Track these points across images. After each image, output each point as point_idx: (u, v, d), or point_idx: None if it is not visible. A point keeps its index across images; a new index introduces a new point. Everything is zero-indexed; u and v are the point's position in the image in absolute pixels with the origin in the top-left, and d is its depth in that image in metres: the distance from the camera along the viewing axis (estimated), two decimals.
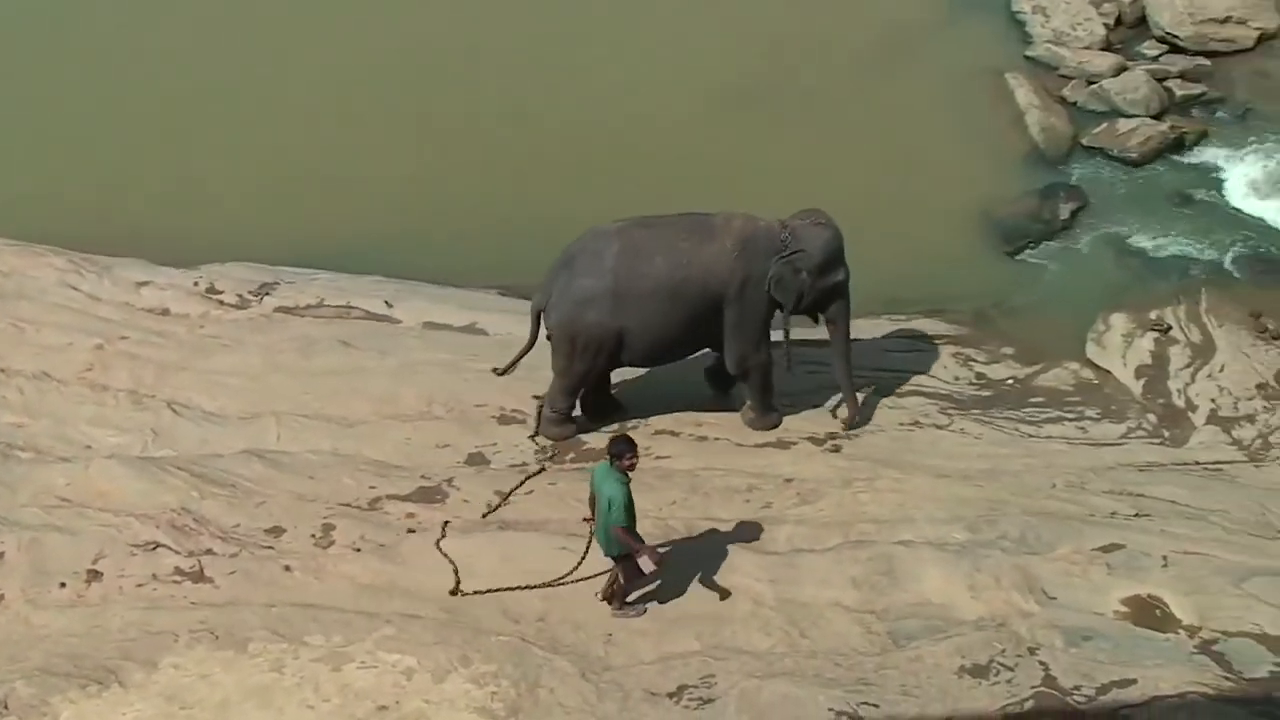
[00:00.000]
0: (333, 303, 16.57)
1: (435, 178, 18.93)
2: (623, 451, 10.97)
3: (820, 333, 14.52)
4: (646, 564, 11.33)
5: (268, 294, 16.65)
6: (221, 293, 16.68)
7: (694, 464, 13.71)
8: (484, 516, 12.92)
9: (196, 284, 16.79)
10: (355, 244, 17.75)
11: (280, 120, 20.08)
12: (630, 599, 11.72)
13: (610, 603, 11.67)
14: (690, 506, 12.90)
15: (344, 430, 14.22)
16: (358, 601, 11.78)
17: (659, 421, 14.49)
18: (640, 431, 14.24)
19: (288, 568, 12.16)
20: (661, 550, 11.61)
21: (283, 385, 14.95)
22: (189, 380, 15.04)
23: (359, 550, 12.36)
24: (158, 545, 12.31)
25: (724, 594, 11.75)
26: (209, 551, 12.30)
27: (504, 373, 14.37)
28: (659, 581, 11.78)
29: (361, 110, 20.17)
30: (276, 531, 12.60)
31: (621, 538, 11.01)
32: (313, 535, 12.54)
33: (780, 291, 13.81)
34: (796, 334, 14.21)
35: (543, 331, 13.97)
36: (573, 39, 21.36)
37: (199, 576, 12.05)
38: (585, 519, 11.52)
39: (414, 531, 12.62)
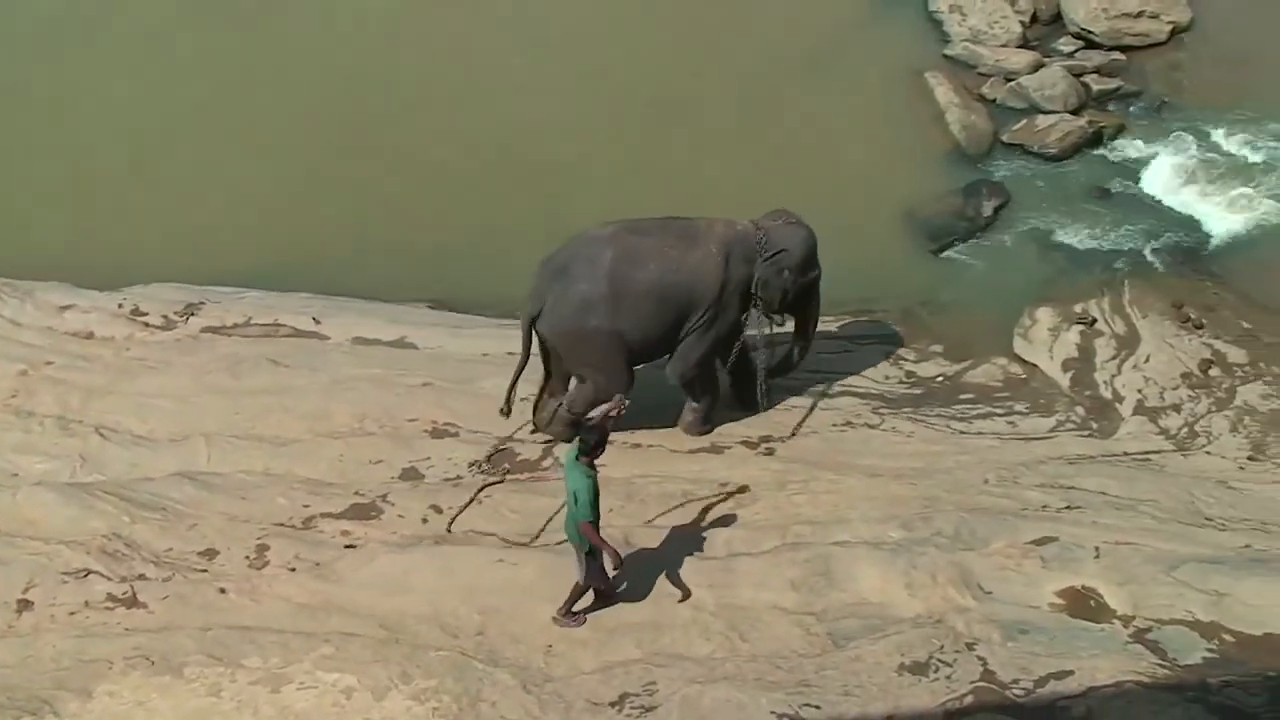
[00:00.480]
0: (260, 321, 16.44)
1: (360, 192, 18.82)
2: (594, 444, 10.91)
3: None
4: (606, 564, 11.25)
5: (194, 314, 16.50)
6: (147, 314, 16.51)
7: (629, 471, 13.69)
8: (448, 529, 12.88)
9: (121, 306, 16.61)
10: (282, 261, 17.63)
11: (200, 138, 19.89)
12: (576, 609, 11.63)
13: (560, 619, 11.56)
14: (627, 514, 12.88)
15: (276, 449, 14.10)
16: (295, 621, 11.67)
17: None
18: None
19: (222, 590, 12.03)
20: (622, 554, 11.41)
21: (212, 406, 14.81)
22: (116, 404, 14.87)
23: (294, 570, 12.26)
24: (89, 572, 12.15)
25: (685, 594, 11.74)
26: (141, 576, 12.15)
27: (508, 407, 14.01)
28: (621, 586, 11.79)
29: (282, 127, 20.00)
30: (210, 554, 12.48)
31: (587, 533, 10.99)
32: (247, 556, 12.43)
33: (766, 293, 14.05)
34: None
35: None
36: (496, 53, 21.25)
37: (132, 602, 11.90)
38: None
39: (351, 548, 12.52)
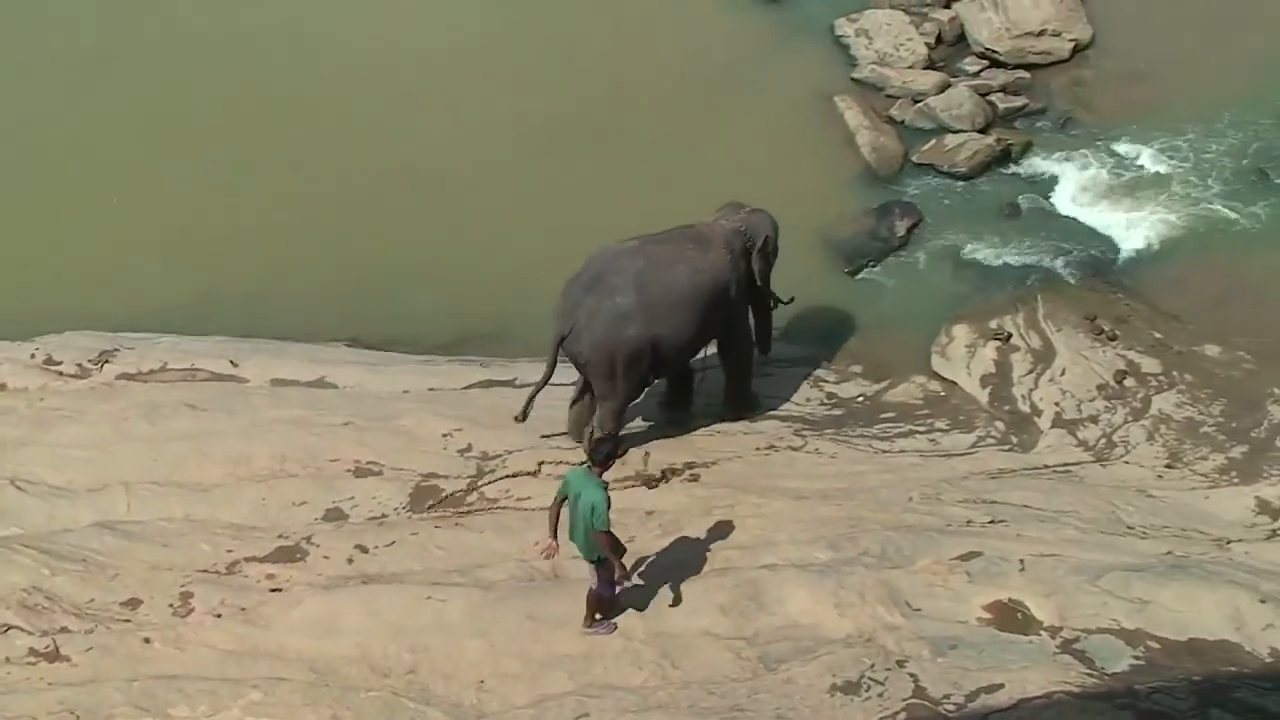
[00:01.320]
0: (176, 366, 16.25)
1: (273, 232, 18.66)
2: (606, 455, 11.06)
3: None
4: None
5: (108, 361, 16.29)
6: (60, 363, 16.27)
7: None
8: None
9: (33, 356, 16.36)
10: (197, 304, 17.46)
11: (106, 182, 19.61)
12: (599, 616, 11.73)
13: (587, 622, 11.70)
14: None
15: (197, 495, 13.93)
16: (222, 668, 11.54)
17: (516, 462, 14.44)
18: (499, 474, 14.21)
19: (147, 640, 11.86)
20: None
21: (130, 454, 14.60)
22: (32, 455, 14.61)
23: (219, 616, 12.12)
24: (9, 627, 11.94)
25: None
26: (64, 629, 11.96)
27: (524, 416, 14.18)
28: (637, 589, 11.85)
29: (191, 170, 19.78)
30: (133, 603, 12.31)
31: (605, 543, 11.06)
32: (171, 604, 12.27)
33: (763, 280, 15.13)
34: None
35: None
36: (408, 85, 21.20)
37: (55, 656, 11.70)
38: (548, 545, 11.37)
39: (276, 591, 12.40)
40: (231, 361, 16.30)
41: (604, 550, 11.15)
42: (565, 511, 11.27)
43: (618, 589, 11.51)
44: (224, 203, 19.18)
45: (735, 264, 14.64)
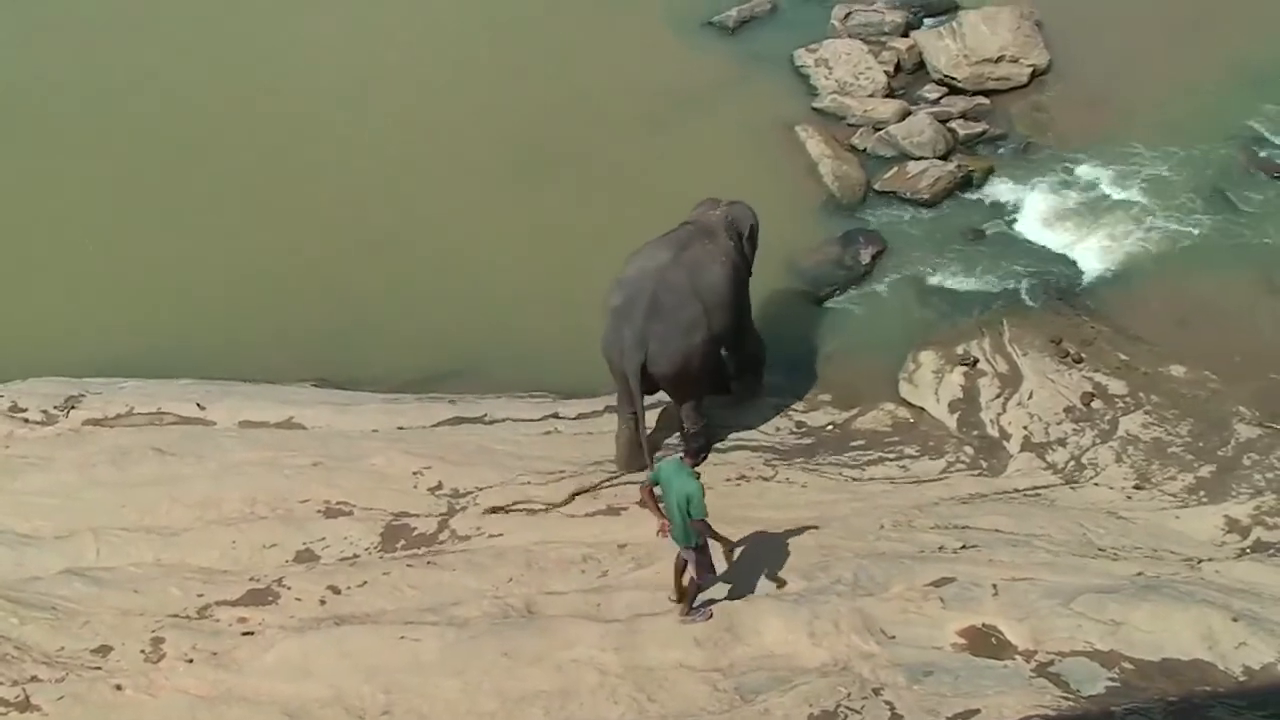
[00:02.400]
0: (143, 410, 16.17)
1: (237, 273, 18.59)
2: (700, 447, 11.78)
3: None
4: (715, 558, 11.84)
5: (74, 407, 16.19)
6: (25, 410, 16.17)
7: (527, 539, 13.65)
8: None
9: None
10: (162, 347, 17.38)
11: (68, 228, 19.53)
12: (696, 603, 12.08)
13: (687, 611, 12.03)
14: (526, 583, 12.84)
15: (166, 540, 13.86)
16: (194, 714, 11.48)
17: (487, 498, 14.41)
18: (470, 512, 14.18)
19: (119, 686, 11.78)
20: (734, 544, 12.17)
21: (99, 499, 14.52)
22: None
23: (191, 661, 12.05)
24: None
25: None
26: (34, 679, 11.86)
27: (649, 459, 14.34)
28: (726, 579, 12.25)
29: (155, 213, 19.73)
30: (104, 650, 12.22)
31: (704, 529, 11.46)
32: (142, 650, 12.19)
33: (750, 267, 15.79)
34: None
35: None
36: (368, 120, 21.22)
37: (25, 705, 11.59)
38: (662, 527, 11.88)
39: (249, 635, 12.33)
40: (199, 404, 16.23)
41: (703, 536, 11.52)
42: None
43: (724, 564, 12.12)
44: (188, 245, 19.11)
45: (742, 249, 15.52)
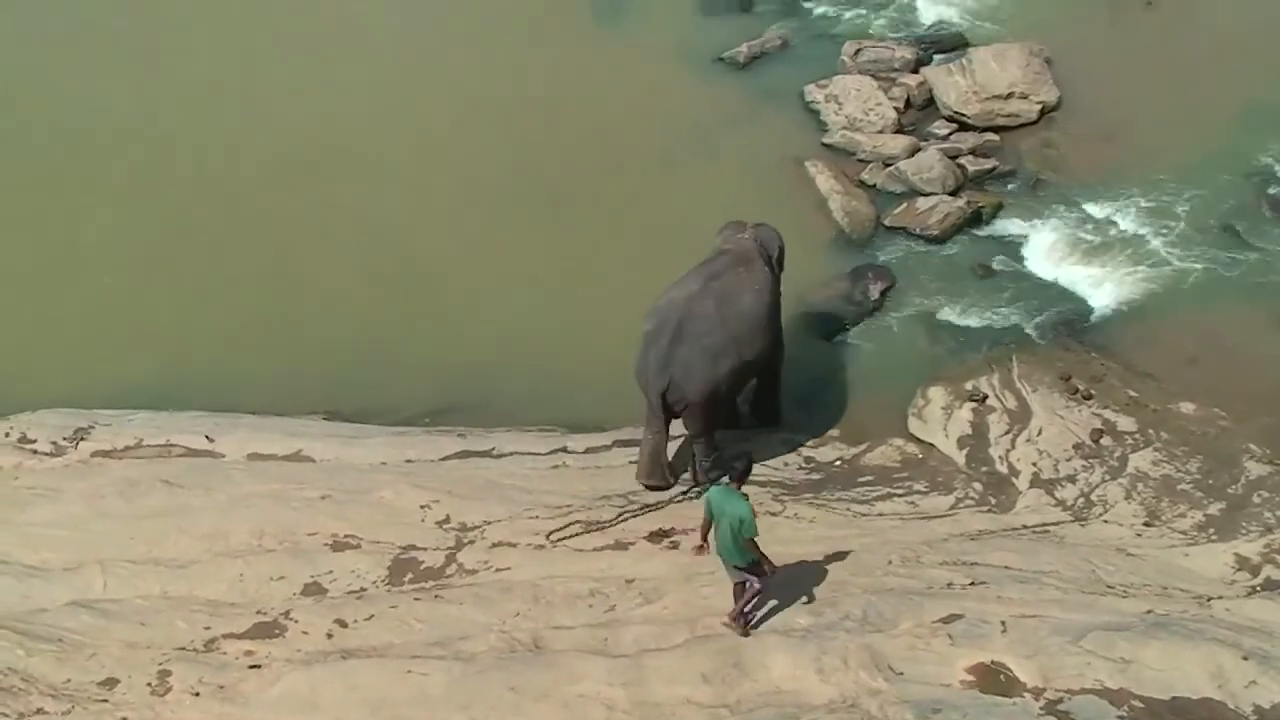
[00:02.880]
0: (152, 442, 16.20)
1: (246, 307, 18.67)
2: (744, 471, 11.93)
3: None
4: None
5: (83, 439, 16.22)
6: (34, 441, 16.20)
7: (535, 573, 13.60)
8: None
9: (7, 435, 16.30)
10: (172, 380, 17.41)
11: (78, 261, 19.59)
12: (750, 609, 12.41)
13: (735, 624, 12.27)
14: (534, 617, 12.78)
15: (174, 572, 13.83)
16: None
17: (495, 532, 14.39)
18: (477, 546, 14.16)
19: (125, 719, 11.74)
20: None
21: (106, 531, 14.51)
22: (7, 535, 14.51)
23: (198, 694, 11.98)
24: None
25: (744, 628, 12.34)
26: (40, 711, 11.80)
27: (694, 481, 15.15)
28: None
29: (166, 244, 19.80)
30: (110, 683, 12.17)
31: (754, 548, 11.81)
32: (148, 683, 12.13)
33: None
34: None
35: None
36: (379, 156, 21.29)
37: None
38: (699, 546, 12.63)
39: (255, 668, 12.29)
40: (207, 437, 16.25)
41: (756, 553, 11.87)
42: None
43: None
44: (199, 278, 19.18)
45: (774, 273, 15.80)
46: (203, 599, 13.39)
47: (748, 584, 12.14)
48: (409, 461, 15.88)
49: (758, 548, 11.90)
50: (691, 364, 14.57)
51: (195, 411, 16.95)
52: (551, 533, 14.26)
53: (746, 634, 12.23)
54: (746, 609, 12.31)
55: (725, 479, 12.03)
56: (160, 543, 14.31)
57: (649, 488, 15.15)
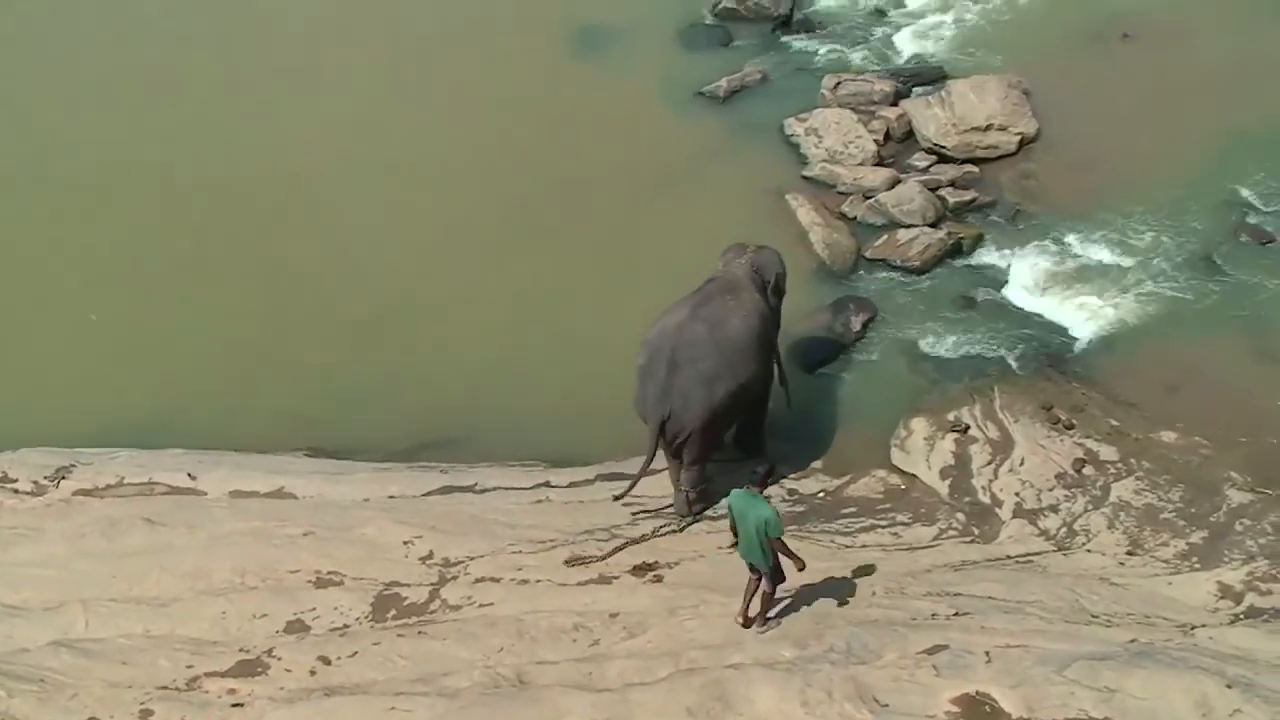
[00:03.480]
0: (134, 480, 16.17)
1: (228, 345, 18.67)
2: (764, 475, 12.45)
3: (630, 466, 14.84)
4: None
5: (65, 478, 16.20)
6: (15, 481, 16.18)
7: (518, 608, 13.59)
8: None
9: None
10: (154, 419, 17.40)
11: (58, 298, 19.61)
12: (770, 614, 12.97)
13: (753, 623, 12.91)
14: (518, 652, 12.77)
15: (156, 610, 13.79)
16: None
17: (478, 568, 14.37)
18: (460, 581, 14.14)
19: None
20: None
21: (88, 570, 14.47)
22: None
23: None
24: None
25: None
26: None
27: (623, 497, 15.25)
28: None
29: (146, 284, 19.82)
30: None
31: (781, 547, 12.37)
32: None
33: (778, 315, 16.23)
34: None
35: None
36: (358, 189, 21.33)
37: None
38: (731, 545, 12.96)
39: (238, 706, 12.25)
40: (190, 474, 16.22)
41: (782, 554, 12.43)
42: None
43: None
44: (180, 316, 19.18)
45: (765, 299, 15.93)
46: (185, 637, 13.36)
47: (762, 584, 12.70)
48: (392, 497, 15.88)
49: (786, 546, 12.42)
50: (689, 392, 14.73)
51: (177, 449, 16.93)
52: (576, 559, 14.54)
53: (778, 624, 12.98)
54: (767, 607, 12.92)
55: (746, 486, 12.48)
56: (142, 581, 14.28)
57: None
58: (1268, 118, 21.30)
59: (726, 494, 12.89)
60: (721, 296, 15.50)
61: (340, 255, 20.08)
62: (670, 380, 14.71)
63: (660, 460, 15.22)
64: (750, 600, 12.92)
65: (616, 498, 15.26)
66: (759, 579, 12.72)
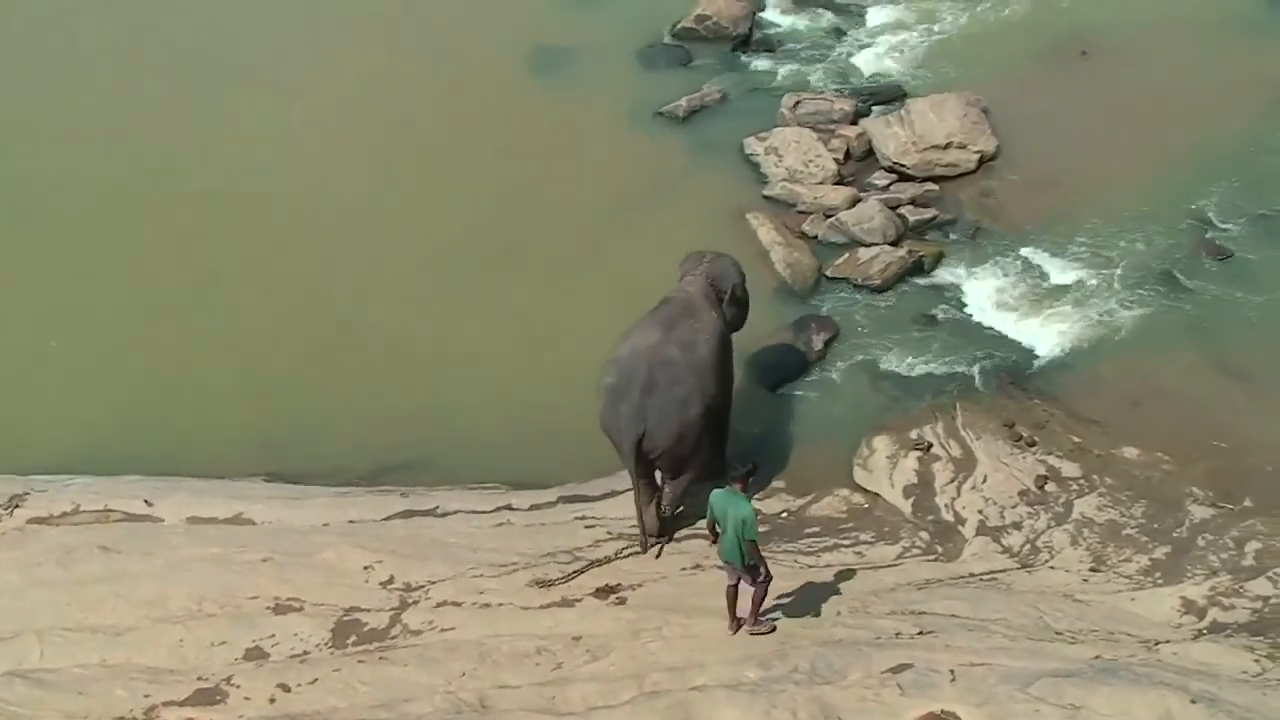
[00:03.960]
0: (89, 508, 16.04)
1: (185, 370, 18.58)
2: (746, 473, 12.53)
3: (592, 488, 14.82)
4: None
5: (19, 506, 16.05)
6: None
7: (480, 632, 13.53)
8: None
9: None
10: (109, 444, 17.28)
11: (20, 323, 19.49)
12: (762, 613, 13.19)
13: (744, 624, 13.12)
14: (480, 677, 12.70)
15: (112, 639, 13.67)
16: None
17: (440, 592, 14.31)
18: (422, 606, 14.08)
19: None
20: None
21: (43, 599, 14.32)
22: None
23: None
24: None
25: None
26: None
27: (643, 540, 15.25)
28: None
29: (101, 308, 19.71)
30: None
31: (753, 550, 12.48)
32: None
33: (735, 327, 16.37)
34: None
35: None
36: (317, 213, 21.28)
37: None
38: (713, 541, 13.13)
39: None
40: (146, 501, 16.11)
41: (754, 556, 12.52)
42: None
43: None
44: (136, 340, 19.07)
45: (722, 313, 15.99)
46: (142, 666, 13.24)
47: (746, 585, 12.87)
48: (352, 522, 15.80)
49: (758, 550, 12.54)
50: (665, 413, 14.78)
51: (134, 475, 16.81)
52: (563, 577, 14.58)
53: (773, 629, 13.22)
54: (757, 607, 13.07)
55: (728, 484, 12.61)
56: (98, 610, 14.14)
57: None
58: (1226, 133, 21.53)
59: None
60: (686, 320, 15.52)
61: (299, 277, 20.03)
62: (645, 401, 14.76)
63: (624, 482, 15.23)
64: (735, 605, 13.09)
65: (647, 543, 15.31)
66: (737, 585, 12.93)
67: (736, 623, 13.17)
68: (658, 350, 15.05)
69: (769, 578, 12.90)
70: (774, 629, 13.16)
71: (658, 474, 15.33)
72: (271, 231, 20.94)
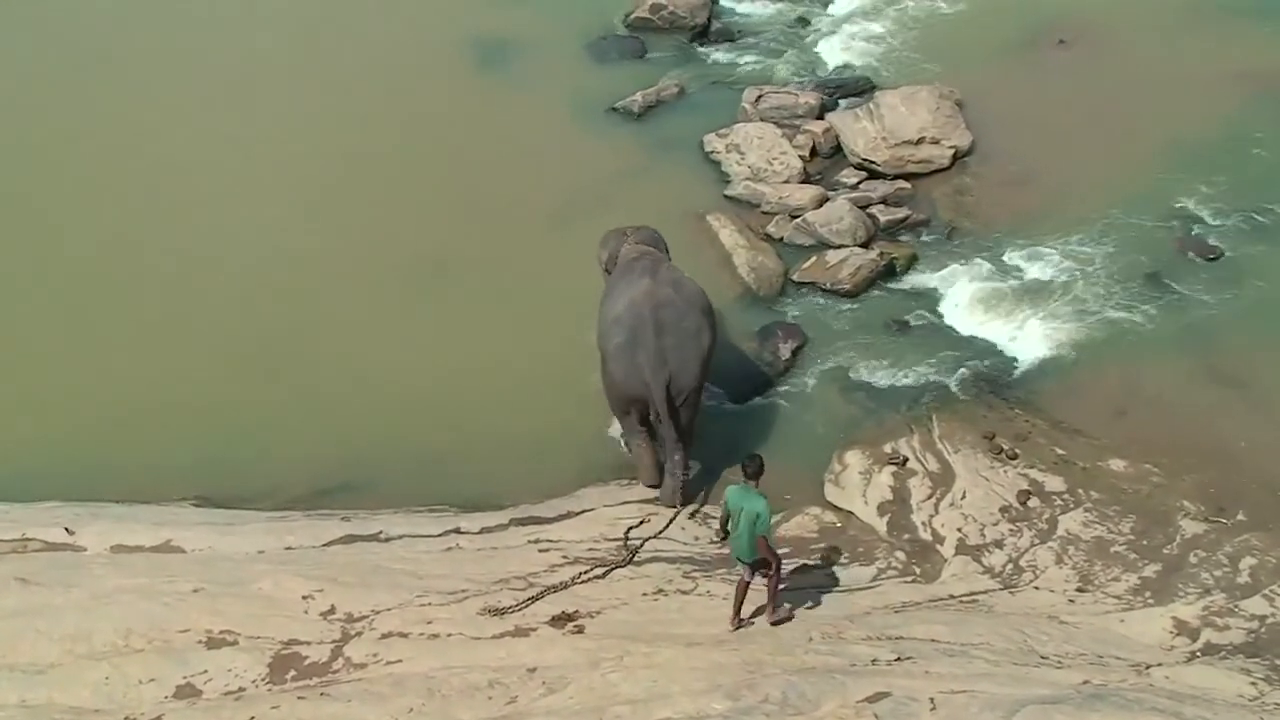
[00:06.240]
0: (5, 536, 15.88)
1: (108, 388, 18.44)
2: (759, 469, 13.19)
3: (546, 509, 14.76)
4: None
5: None
6: None
7: (429, 665, 13.45)
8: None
9: None
10: (26, 470, 17.12)
11: None
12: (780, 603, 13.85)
13: (744, 622, 13.72)
14: (429, 713, 12.63)
15: (31, 678, 13.52)
16: None
17: (384, 622, 14.24)
18: (366, 637, 13.99)
19: None
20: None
21: None
22: None
23: None
24: None
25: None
26: None
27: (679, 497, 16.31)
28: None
29: (22, 324, 19.58)
30: None
31: (764, 547, 13.09)
32: None
33: None
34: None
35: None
36: (249, 225, 21.19)
37: None
38: (722, 538, 13.96)
39: None
40: (67, 529, 15.97)
41: (766, 552, 13.14)
42: None
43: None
44: (54, 359, 18.93)
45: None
46: (65, 705, 13.11)
47: (759, 579, 13.52)
48: (289, 549, 15.71)
49: (769, 546, 13.13)
50: (684, 350, 15.94)
51: (53, 501, 16.66)
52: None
53: (791, 616, 13.93)
54: (775, 599, 13.74)
55: (744, 481, 13.22)
56: (16, 646, 13.98)
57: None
58: (1209, 125, 21.73)
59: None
60: (661, 266, 16.59)
61: (228, 288, 19.93)
62: (661, 343, 15.66)
63: (579, 502, 15.24)
64: (741, 603, 13.69)
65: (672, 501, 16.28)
66: (749, 583, 13.58)
67: (738, 620, 13.71)
68: (654, 294, 15.96)
69: (780, 568, 13.50)
70: (792, 616, 13.86)
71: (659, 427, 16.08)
72: (197, 243, 20.83)
